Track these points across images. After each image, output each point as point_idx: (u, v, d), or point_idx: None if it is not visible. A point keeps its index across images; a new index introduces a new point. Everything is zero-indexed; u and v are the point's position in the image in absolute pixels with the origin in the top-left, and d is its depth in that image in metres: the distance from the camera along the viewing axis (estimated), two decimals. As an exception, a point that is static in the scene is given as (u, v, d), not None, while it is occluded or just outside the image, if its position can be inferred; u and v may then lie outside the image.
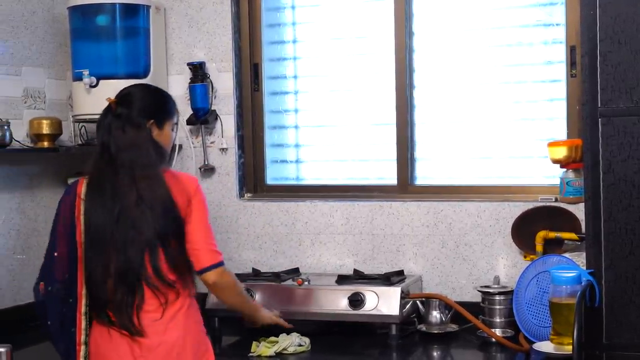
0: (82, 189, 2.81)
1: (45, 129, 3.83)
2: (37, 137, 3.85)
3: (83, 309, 2.78)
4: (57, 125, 3.87)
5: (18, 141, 3.75)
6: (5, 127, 3.57)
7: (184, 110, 3.99)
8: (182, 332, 2.77)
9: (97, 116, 3.74)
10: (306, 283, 3.51)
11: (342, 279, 3.53)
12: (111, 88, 3.72)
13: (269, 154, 4.08)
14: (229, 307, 3.12)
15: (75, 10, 3.87)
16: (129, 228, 2.72)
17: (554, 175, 3.50)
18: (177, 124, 3.02)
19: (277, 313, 3.30)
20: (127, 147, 2.77)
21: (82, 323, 2.79)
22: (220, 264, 2.86)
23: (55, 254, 2.81)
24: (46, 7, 3.99)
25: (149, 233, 2.71)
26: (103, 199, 2.76)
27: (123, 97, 2.87)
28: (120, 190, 2.74)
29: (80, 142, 4.04)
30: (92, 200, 2.78)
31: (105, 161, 2.78)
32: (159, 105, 2.91)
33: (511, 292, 3.33)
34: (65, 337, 2.81)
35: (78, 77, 3.80)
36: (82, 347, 2.79)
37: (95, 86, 3.75)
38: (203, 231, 2.83)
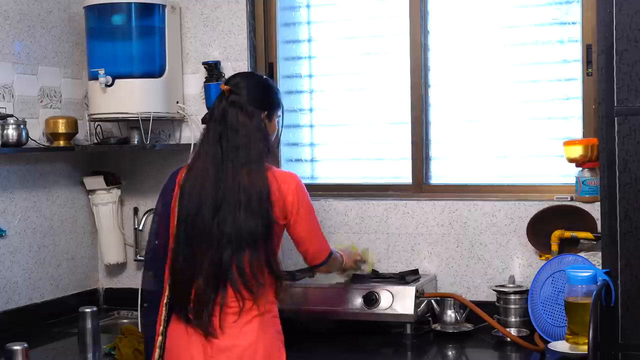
0: (182, 179, 2.78)
1: (61, 128, 3.86)
2: (53, 136, 3.87)
3: (165, 300, 2.77)
4: (73, 125, 3.89)
5: (34, 140, 3.77)
6: (22, 127, 3.59)
7: (200, 109, 4.01)
8: (255, 338, 2.69)
9: (112, 115, 3.84)
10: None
11: (356, 278, 3.53)
12: (127, 87, 3.76)
13: (284, 152, 4.08)
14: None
15: (91, 9, 3.88)
16: (227, 223, 2.66)
17: (569, 174, 3.49)
18: (282, 116, 2.97)
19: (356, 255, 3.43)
20: (240, 134, 2.72)
21: (163, 313, 2.78)
22: (329, 256, 2.97)
23: (156, 242, 2.81)
24: (62, 7, 4.01)
25: (241, 231, 2.66)
26: (206, 191, 2.70)
27: (236, 84, 2.82)
28: (223, 181, 2.69)
29: (96, 141, 4.05)
30: (190, 192, 2.73)
31: (216, 150, 2.73)
32: (269, 95, 2.88)
33: (526, 292, 3.32)
34: (151, 324, 2.82)
35: (94, 77, 3.81)
36: (159, 338, 2.78)
37: (110, 85, 3.76)
38: (311, 230, 2.86)
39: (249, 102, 2.77)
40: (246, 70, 3.97)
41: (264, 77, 3.04)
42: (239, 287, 2.67)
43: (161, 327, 2.79)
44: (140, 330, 3.18)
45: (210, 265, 2.67)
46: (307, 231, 2.84)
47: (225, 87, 2.81)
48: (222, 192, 2.69)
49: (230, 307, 2.69)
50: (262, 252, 2.68)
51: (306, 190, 2.84)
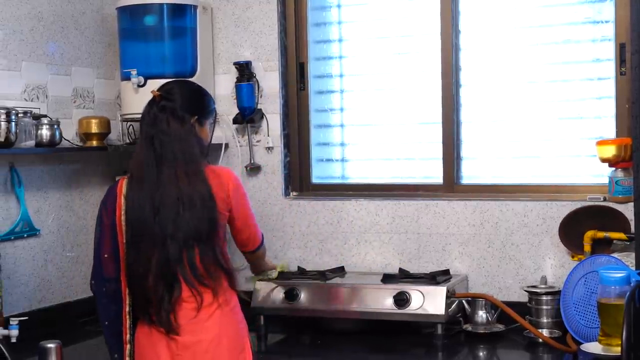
0: (123, 187, 2.82)
1: (94, 128, 3.89)
2: (86, 136, 3.90)
3: (127, 308, 2.81)
4: (105, 125, 3.92)
5: (68, 140, 3.81)
6: (55, 127, 3.62)
7: (230, 109, 4.02)
8: (217, 331, 2.76)
9: (145, 115, 3.84)
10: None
11: (387, 278, 3.52)
12: (159, 87, 3.78)
13: (315, 152, 4.09)
14: (255, 269, 3.32)
15: (123, 10, 3.91)
16: (169, 223, 2.72)
17: (602, 174, 3.46)
18: (214, 122, 3.03)
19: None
20: (172, 139, 2.77)
21: (127, 322, 2.82)
22: (262, 241, 3.09)
23: (105, 255, 2.84)
24: (95, 8, 4.04)
25: (187, 229, 2.72)
26: (144, 193, 2.76)
27: (167, 91, 2.88)
28: (161, 183, 2.75)
29: (128, 141, 4.09)
30: (133, 196, 2.79)
31: (149, 153, 2.78)
32: (200, 102, 2.93)
33: (558, 293, 3.30)
34: (115, 336, 2.84)
35: (126, 77, 3.84)
36: (128, 346, 2.82)
37: (143, 86, 3.79)
38: (245, 218, 2.93)
39: (180, 107, 2.82)
40: (277, 70, 3.98)
41: (197, 84, 3.08)
42: (193, 283, 2.73)
43: (128, 336, 2.82)
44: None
45: (157, 264, 2.72)
46: (244, 219, 2.93)
47: (155, 93, 2.86)
48: (159, 195, 2.74)
49: (188, 303, 2.74)
50: (211, 248, 2.75)
51: (240, 182, 2.94)
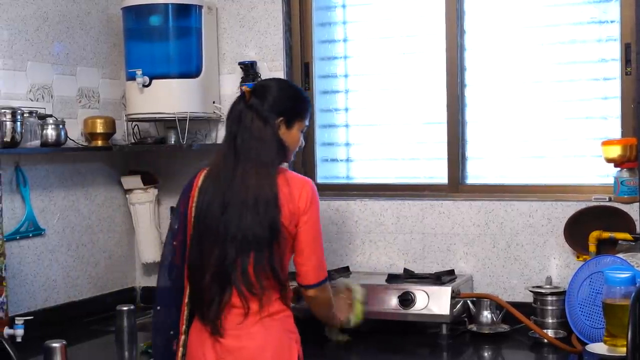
0: (200, 179, 2.80)
1: (99, 128, 3.90)
2: (91, 136, 3.91)
3: (186, 299, 2.78)
4: (110, 124, 3.93)
5: (73, 140, 3.82)
6: (61, 127, 3.63)
7: (235, 109, 4.02)
8: (262, 340, 2.68)
9: (149, 115, 3.87)
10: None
11: (392, 278, 3.52)
12: (164, 87, 3.80)
13: (320, 152, 4.09)
14: (319, 319, 3.03)
15: (128, 10, 3.91)
16: (233, 223, 2.66)
17: (607, 174, 3.46)
18: (307, 126, 2.92)
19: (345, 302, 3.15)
20: (252, 138, 2.72)
21: (185, 312, 2.79)
22: (323, 281, 2.81)
23: (175, 242, 2.82)
24: (100, 8, 4.05)
25: (246, 233, 2.65)
26: (216, 188, 2.72)
27: (258, 88, 2.84)
28: (234, 182, 2.70)
29: (133, 141, 4.09)
30: (205, 189, 2.75)
31: (230, 150, 2.75)
32: (292, 103, 2.85)
33: (563, 293, 3.30)
34: (168, 326, 2.81)
35: (131, 77, 3.84)
36: (182, 337, 2.79)
37: (148, 85, 3.79)
38: (312, 244, 2.76)
39: (267, 107, 2.76)
40: (282, 70, 3.98)
41: (294, 85, 3.01)
42: (242, 289, 2.66)
43: (184, 326, 2.80)
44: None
45: (215, 263, 2.68)
46: (309, 243, 2.76)
47: (246, 90, 2.82)
48: (230, 193, 2.70)
49: (236, 308, 2.69)
50: (267, 257, 2.66)
51: (318, 202, 2.78)
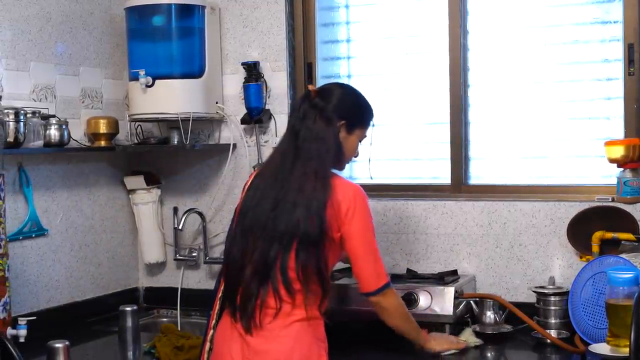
0: (252, 178, 2.82)
1: (102, 129, 3.90)
2: (94, 136, 3.91)
3: (220, 294, 2.78)
4: (113, 125, 3.93)
5: (76, 140, 3.82)
6: (64, 127, 3.63)
7: (238, 109, 4.02)
8: (290, 345, 2.64)
9: (152, 115, 3.88)
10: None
11: (395, 278, 3.52)
12: (167, 88, 3.80)
13: (323, 152, 4.08)
14: (397, 331, 2.98)
15: (131, 10, 3.92)
16: (282, 220, 2.65)
17: (610, 174, 3.46)
18: (366, 136, 2.92)
19: (453, 339, 3.14)
20: (313, 137, 2.72)
21: (217, 306, 2.79)
22: (383, 287, 2.78)
23: (231, 232, 2.83)
24: (103, 8, 4.05)
25: (295, 230, 2.63)
26: (272, 184, 2.72)
27: (325, 89, 2.85)
28: (291, 179, 2.69)
29: (136, 141, 4.09)
30: (258, 184, 2.76)
31: (290, 147, 2.75)
32: (356, 109, 2.86)
33: (566, 293, 3.29)
34: (207, 319, 2.85)
35: (134, 77, 3.84)
36: (211, 331, 2.79)
37: (151, 86, 3.80)
38: (362, 251, 2.74)
39: (331, 108, 2.77)
40: (285, 70, 3.98)
41: (359, 92, 2.97)
42: (278, 287, 2.64)
43: (213, 321, 2.79)
44: None
45: (258, 258, 2.67)
46: (359, 249, 2.74)
47: (312, 88, 2.83)
48: (284, 189, 2.69)
49: (269, 307, 2.66)
50: (314, 257, 2.64)
51: (367, 207, 2.75)
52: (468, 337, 3.23)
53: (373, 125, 2.96)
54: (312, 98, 2.79)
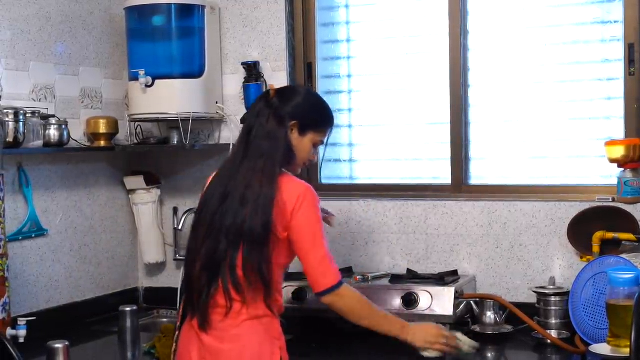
0: (213, 174, 2.84)
1: (102, 129, 3.89)
2: (94, 136, 3.91)
3: (180, 292, 2.80)
4: (113, 125, 3.93)
5: (75, 140, 3.81)
6: (63, 127, 3.62)
7: (239, 109, 4.02)
8: (241, 345, 2.64)
9: (152, 115, 3.88)
10: (361, 277, 3.51)
11: (395, 279, 3.52)
12: (167, 88, 3.79)
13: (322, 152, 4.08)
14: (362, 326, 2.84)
15: (131, 10, 3.91)
16: (229, 215, 2.65)
17: (611, 174, 3.45)
18: (322, 142, 2.90)
19: (440, 330, 2.87)
20: (264, 135, 2.73)
21: (182, 307, 2.80)
22: (335, 286, 2.69)
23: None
24: (103, 8, 4.04)
25: (241, 227, 2.63)
26: (221, 180, 2.74)
27: (284, 89, 2.86)
28: (238, 174, 2.70)
29: (136, 141, 4.09)
30: (213, 181, 2.78)
31: (242, 144, 2.77)
32: (312, 112, 2.84)
33: (567, 293, 3.29)
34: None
35: (134, 77, 3.84)
36: (177, 333, 2.80)
37: (151, 86, 3.79)
38: (310, 248, 2.67)
39: (286, 109, 2.76)
40: (285, 70, 3.98)
41: (319, 96, 2.98)
42: (228, 286, 2.64)
43: (179, 322, 2.80)
44: None
45: (206, 254, 2.68)
46: (306, 248, 2.68)
47: (272, 88, 2.83)
48: (232, 185, 2.70)
49: (219, 305, 2.67)
50: (258, 255, 2.62)
51: (314, 206, 2.70)
52: (463, 339, 2.94)
53: (330, 133, 2.92)
54: (269, 97, 2.80)
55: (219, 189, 2.72)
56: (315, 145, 2.87)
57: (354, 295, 2.78)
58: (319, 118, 2.87)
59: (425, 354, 2.81)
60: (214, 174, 2.83)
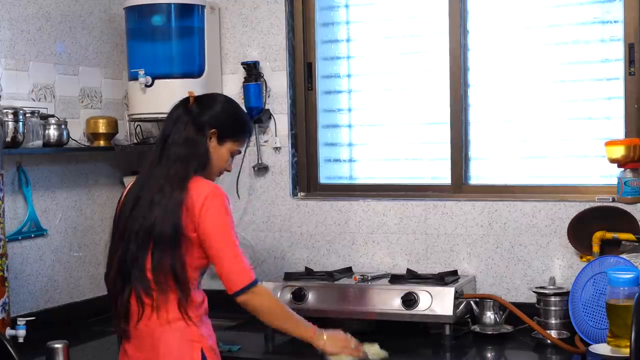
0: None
1: (102, 128, 3.89)
2: (93, 136, 3.91)
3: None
4: (113, 125, 3.93)
5: (75, 140, 3.81)
6: (63, 127, 3.62)
7: (238, 109, 4.02)
8: (157, 352, 2.62)
9: (152, 115, 3.87)
10: (360, 277, 3.51)
11: (395, 279, 3.52)
12: (166, 87, 3.79)
13: (322, 152, 4.09)
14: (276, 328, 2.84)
15: (131, 10, 3.91)
16: (139, 219, 2.65)
17: (611, 174, 3.45)
18: (239, 152, 2.89)
19: (350, 341, 2.81)
20: (181, 142, 2.72)
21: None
22: (249, 286, 2.64)
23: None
24: (103, 8, 4.04)
25: (150, 230, 2.62)
26: (135, 187, 2.74)
27: (204, 97, 2.85)
28: (150, 180, 2.70)
29: (135, 141, 4.09)
30: (129, 189, 2.78)
31: (157, 150, 2.76)
32: (231, 122, 2.83)
33: (567, 293, 3.29)
34: None
35: (134, 77, 3.84)
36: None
37: (150, 86, 3.79)
38: (221, 247, 2.63)
39: (205, 117, 2.76)
40: (285, 70, 3.98)
41: (238, 106, 2.95)
42: (139, 290, 2.63)
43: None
44: None
45: (118, 259, 2.68)
46: (217, 248, 2.63)
47: (191, 95, 2.82)
48: (145, 189, 2.70)
49: (133, 312, 2.66)
50: (169, 257, 2.60)
51: (223, 205, 2.66)
52: (371, 349, 2.88)
53: (248, 143, 2.93)
54: (188, 104, 2.79)
55: (132, 195, 2.73)
56: (233, 155, 2.86)
57: (269, 294, 2.78)
58: (238, 128, 2.85)
59: (333, 359, 2.78)
60: (131, 182, 2.82)
